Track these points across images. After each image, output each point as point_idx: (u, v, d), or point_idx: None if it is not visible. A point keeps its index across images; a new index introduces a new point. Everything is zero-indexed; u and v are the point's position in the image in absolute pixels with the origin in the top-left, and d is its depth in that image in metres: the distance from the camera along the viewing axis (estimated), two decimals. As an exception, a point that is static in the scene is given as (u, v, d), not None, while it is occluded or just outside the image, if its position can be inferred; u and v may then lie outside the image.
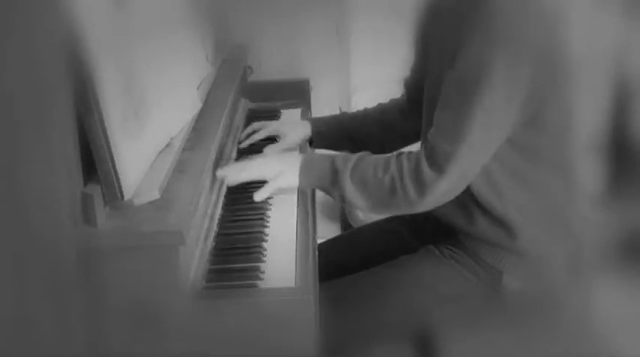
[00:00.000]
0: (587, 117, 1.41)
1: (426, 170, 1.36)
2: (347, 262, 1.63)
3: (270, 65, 2.33)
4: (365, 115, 1.79)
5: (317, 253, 1.39)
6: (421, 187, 1.37)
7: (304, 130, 1.78)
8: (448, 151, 1.34)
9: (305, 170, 1.46)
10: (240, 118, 1.92)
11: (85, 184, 1.17)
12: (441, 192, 1.37)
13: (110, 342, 1.16)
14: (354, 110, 2.62)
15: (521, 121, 1.35)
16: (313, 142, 1.79)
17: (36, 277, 0.98)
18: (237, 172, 1.49)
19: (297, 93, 2.12)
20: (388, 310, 1.47)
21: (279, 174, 1.47)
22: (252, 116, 1.98)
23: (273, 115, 2.00)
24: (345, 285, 1.54)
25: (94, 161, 1.16)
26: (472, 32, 1.32)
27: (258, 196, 1.47)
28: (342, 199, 1.44)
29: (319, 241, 1.59)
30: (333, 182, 1.43)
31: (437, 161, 1.35)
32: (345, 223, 2.66)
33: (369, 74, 2.59)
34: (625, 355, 1.45)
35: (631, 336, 1.46)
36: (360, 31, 2.58)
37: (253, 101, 2.07)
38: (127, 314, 1.15)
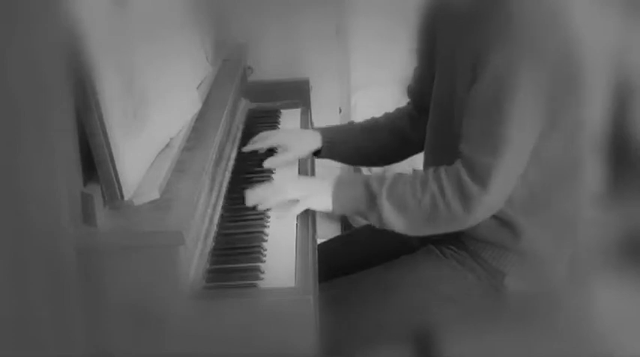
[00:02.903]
0: (589, 117, 1.42)
1: (470, 185, 1.34)
2: (347, 262, 1.63)
3: (270, 65, 2.33)
4: (375, 124, 1.75)
5: (317, 253, 1.39)
6: (467, 202, 1.34)
7: (314, 141, 1.72)
8: (490, 162, 1.32)
9: (338, 194, 1.42)
10: (240, 118, 1.92)
11: (85, 184, 1.17)
12: (487, 205, 1.36)
13: (110, 342, 1.16)
14: (354, 109, 2.64)
15: (544, 125, 1.35)
16: (321, 152, 1.73)
17: (36, 277, 0.98)
18: (268, 196, 1.44)
19: (296, 93, 2.11)
20: (388, 310, 1.47)
21: (309, 196, 1.43)
22: (252, 116, 1.98)
23: (273, 115, 2.00)
24: (345, 285, 1.54)
25: (94, 161, 1.16)
26: (491, 39, 1.32)
27: (292, 213, 1.43)
28: (380, 222, 1.40)
29: (319, 241, 1.59)
30: (369, 206, 1.40)
31: (479, 175, 1.33)
32: (345, 223, 2.66)
33: (369, 74, 2.59)
34: (625, 355, 1.46)
35: (631, 336, 1.46)
36: (360, 31, 2.58)
37: (253, 101, 2.07)
38: (127, 314, 1.15)
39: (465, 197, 1.34)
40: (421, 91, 1.63)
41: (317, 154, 1.74)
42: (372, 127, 1.75)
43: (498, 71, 1.31)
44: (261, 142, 1.72)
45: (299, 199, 1.43)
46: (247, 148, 1.72)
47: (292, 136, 1.75)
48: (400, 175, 1.42)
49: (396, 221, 1.39)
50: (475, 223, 1.39)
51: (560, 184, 1.43)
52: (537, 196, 1.43)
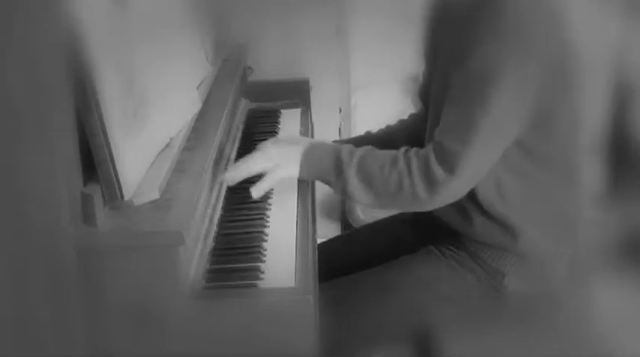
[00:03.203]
0: (589, 117, 1.42)
1: (436, 169, 1.34)
2: (347, 262, 1.63)
3: (270, 65, 2.33)
4: (391, 133, 1.75)
5: (317, 253, 1.39)
6: (431, 185, 1.35)
7: None
8: (458, 150, 1.33)
9: (307, 160, 1.43)
10: (240, 118, 1.92)
11: (85, 184, 1.17)
12: (451, 192, 1.36)
13: (110, 342, 1.16)
14: (354, 109, 2.64)
15: (532, 123, 1.35)
16: None
17: (36, 277, 0.98)
18: (236, 169, 1.45)
19: (296, 93, 2.11)
20: (388, 310, 1.47)
21: (280, 164, 1.43)
22: (252, 116, 1.98)
23: (273, 115, 2.00)
24: (345, 285, 1.54)
25: (94, 161, 1.16)
26: (482, 31, 1.31)
27: (256, 191, 1.42)
28: (344, 192, 1.41)
29: (319, 241, 1.59)
30: (336, 175, 1.41)
31: (447, 160, 1.34)
32: (345, 223, 2.66)
33: (369, 74, 2.59)
34: (625, 355, 1.46)
35: (631, 336, 1.46)
36: (360, 31, 2.58)
37: (253, 101, 2.07)
38: (127, 314, 1.15)
39: (430, 181, 1.35)
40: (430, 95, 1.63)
41: None
42: (388, 135, 1.75)
43: (484, 62, 1.30)
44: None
45: (269, 169, 1.43)
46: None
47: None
48: (372, 149, 1.43)
49: (360, 194, 1.40)
50: (434, 208, 1.40)
51: (558, 184, 1.43)
52: (535, 196, 1.43)
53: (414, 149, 1.39)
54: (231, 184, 1.46)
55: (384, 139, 1.73)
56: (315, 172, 1.44)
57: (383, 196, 1.39)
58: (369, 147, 1.44)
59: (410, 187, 1.36)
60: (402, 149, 1.40)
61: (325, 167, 1.42)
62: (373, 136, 1.77)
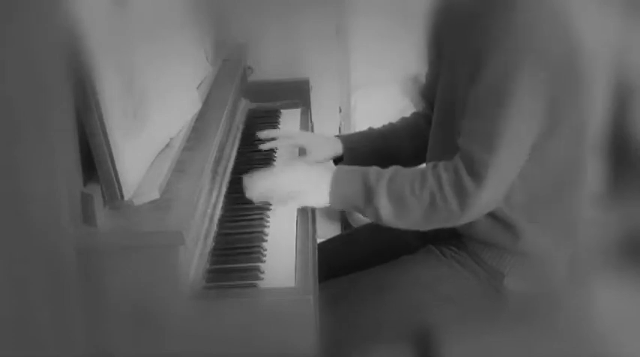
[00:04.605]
0: (591, 117, 1.42)
1: (466, 179, 1.34)
2: (347, 262, 1.63)
3: (270, 65, 2.33)
4: (393, 130, 1.75)
5: (317, 253, 1.39)
6: (463, 198, 1.34)
7: (334, 148, 1.71)
8: (486, 159, 1.32)
9: (335, 189, 1.41)
10: (240, 118, 1.92)
11: (85, 184, 1.17)
12: (483, 202, 1.36)
13: (110, 342, 1.16)
14: (354, 109, 2.64)
15: (546, 125, 1.35)
16: (344, 159, 1.71)
17: (36, 277, 0.98)
18: (260, 187, 1.42)
19: (296, 93, 2.11)
20: (388, 310, 1.47)
21: (307, 192, 1.42)
22: (252, 116, 1.98)
23: (272, 115, 2.00)
24: (345, 285, 1.54)
25: (94, 161, 1.16)
26: (495, 40, 1.32)
27: (289, 208, 1.42)
28: (378, 217, 1.39)
29: (319, 241, 1.59)
30: (367, 201, 1.39)
31: (476, 170, 1.33)
32: (345, 223, 2.66)
33: (369, 74, 2.59)
34: (625, 355, 1.46)
35: (631, 336, 1.46)
36: (360, 31, 2.58)
37: (253, 101, 2.07)
38: (127, 314, 1.15)
39: (461, 193, 1.34)
40: (434, 95, 1.63)
41: (336, 161, 1.73)
42: (390, 131, 1.75)
43: (499, 71, 1.31)
44: (283, 140, 1.72)
45: (295, 195, 1.42)
46: (266, 146, 1.71)
47: (315, 140, 1.72)
48: (398, 169, 1.41)
49: (394, 218, 1.39)
50: (469, 221, 1.39)
51: (561, 184, 1.43)
52: (537, 196, 1.43)
53: (442, 163, 1.38)
54: (250, 198, 1.44)
55: (387, 135, 1.74)
56: (347, 203, 1.42)
57: (417, 216, 1.37)
58: (397, 167, 1.42)
59: (443, 203, 1.35)
60: (430, 165, 1.40)
61: (356, 196, 1.40)
62: (376, 132, 1.76)
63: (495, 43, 1.32)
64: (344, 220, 2.66)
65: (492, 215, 1.43)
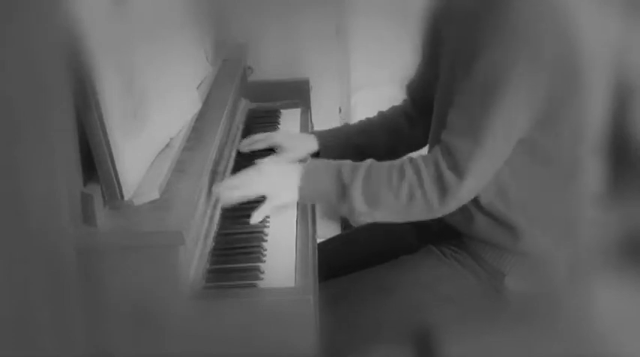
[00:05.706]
0: (591, 117, 1.42)
1: (447, 174, 1.33)
2: (347, 262, 1.63)
3: (270, 65, 2.33)
4: (370, 125, 1.75)
5: (317, 253, 1.39)
6: (444, 191, 1.34)
7: (310, 144, 1.71)
8: (467, 151, 1.32)
9: (306, 184, 1.40)
10: (240, 118, 1.92)
11: (85, 184, 1.17)
12: (462, 195, 1.36)
13: (110, 342, 1.16)
14: (354, 109, 2.64)
15: (537, 122, 1.35)
16: (320, 155, 1.70)
17: (36, 277, 0.98)
18: (231, 191, 1.42)
19: (296, 93, 2.11)
20: (388, 310, 1.47)
21: (277, 191, 1.41)
22: (252, 116, 1.98)
23: (272, 115, 2.00)
24: (345, 284, 1.54)
25: (94, 161, 1.16)
26: (490, 36, 1.31)
27: (254, 218, 1.40)
28: (352, 212, 1.38)
29: (319, 241, 1.59)
30: (340, 196, 1.38)
31: (456, 163, 1.33)
32: (345, 222, 2.66)
33: (369, 74, 2.59)
34: (625, 355, 1.46)
35: (631, 336, 1.46)
36: (360, 31, 2.58)
37: (253, 101, 2.07)
38: (127, 314, 1.15)
39: (442, 187, 1.34)
40: (421, 89, 1.63)
41: (315, 156, 1.73)
42: (367, 127, 1.75)
43: (493, 65, 1.31)
44: (259, 142, 1.72)
45: (268, 195, 1.41)
46: (244, 148, 1.72)
47: (291, 138, 1.74)
48: (373, 163, 1.41)
49: (368, 213, 1.38)
50: (445, 214, 1.39)
51: (561, 184, 1.43)
52: (537, 196, 1.43)
53: (420, 156, 1.38)
54: (226, 206, 1.44)
55: (363, 130, 1.74)
56: (317, 196, 1.41)
57: (394, 211, 1.37)
58: (371, 161, 1.41)
59: (422, 196, 1.35)
60: (407, 158, 1.39)
61: (328, 191, 1.39)
62: (352, 127, 1.76)
63: (489, 39, 1.32)
64: (344, 220, 2.66)
65: (493, 215, 1.43)
